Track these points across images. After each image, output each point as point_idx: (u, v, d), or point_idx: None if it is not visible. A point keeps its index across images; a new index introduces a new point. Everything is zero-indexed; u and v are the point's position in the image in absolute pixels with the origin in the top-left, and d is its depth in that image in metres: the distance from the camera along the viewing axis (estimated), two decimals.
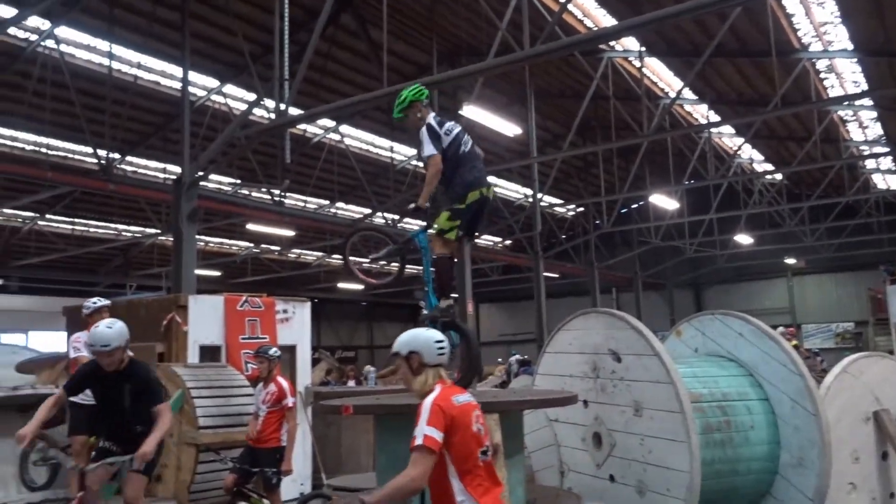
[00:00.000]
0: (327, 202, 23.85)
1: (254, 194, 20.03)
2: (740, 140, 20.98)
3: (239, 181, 20.55)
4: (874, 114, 18.60)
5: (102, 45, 14.53)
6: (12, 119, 16.14)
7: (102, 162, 14.22)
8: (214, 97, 17.09)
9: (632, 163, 20.87)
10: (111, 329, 4.77)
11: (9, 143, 17.14)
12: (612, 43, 15.87)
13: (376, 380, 17.95)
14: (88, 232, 23.97)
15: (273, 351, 6.80)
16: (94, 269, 27.06)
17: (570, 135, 17.21)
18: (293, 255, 30.56)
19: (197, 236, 13.54)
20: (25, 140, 17.14)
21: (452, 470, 3.07)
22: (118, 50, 14.71)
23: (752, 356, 6.19)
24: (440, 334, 3.36)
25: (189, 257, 11.90)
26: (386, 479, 3.45)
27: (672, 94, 17.11)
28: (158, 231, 21.70)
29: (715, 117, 18.82)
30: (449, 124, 5.05)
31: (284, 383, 6.63)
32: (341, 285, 32.47)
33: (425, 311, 4.96)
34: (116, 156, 15.86)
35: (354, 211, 24.82)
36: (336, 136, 20.20)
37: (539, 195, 20.96)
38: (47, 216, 21.56)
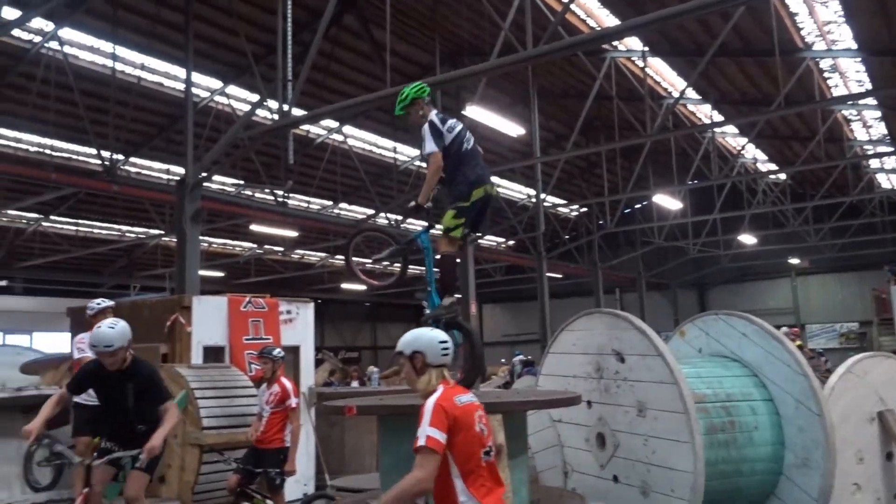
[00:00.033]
0: (330, 203, 23.86)
1: (257, 195, 20.04)
2: (744, 140, 20.94)
3: (242, 182, 20.57)
4: (878, 113, 18.55)
5: (106, 46, 14.56)
6: (16, 120, 16.18)
7: (106, 163, 14.25)
8: (218, 98, 17.12)
9: (635, 163, 20.85)
10: (113, 329, 4.77)
11: (13, 144, 17.18)
12: (615, 43, 15.85)
13: (380, 380, 17.95)
14: (92, 233, 24.01)
15: (277, 352, 6.80)
16: (97, 271, 27.10)
17: (574, 135, 17.19)
18: (296, 256, 30.57)
19: (200, 237, 13.54)
20: (29, 141, 17.17)
21: (455, 470, 3.07)
22: (122, 51, 14.73)
23: (756, 356, 6.19)
24: (444, 334, 3.36)
25: (193, 258, 11.92)
26: (390, 479, 3.45)
27: (675, 94, 17.10)
28: (162, 232, 21.73)
29: (718, 117, 18.79)
30: (451, 121, 5.04)
31: (288, 384, 6.63)
32: (345, 286, 32.48)
33: (428, 311, 4.95)
34: (120, 157, 15.89)
35: (358, 212, 24.83)
36: (339, 137, 20.22)
37: (542, 195, 20.94)
38: (51, 217, 21.60)
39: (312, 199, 23.16)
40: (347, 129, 20.05)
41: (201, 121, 15.89)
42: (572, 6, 11.22)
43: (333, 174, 21.24)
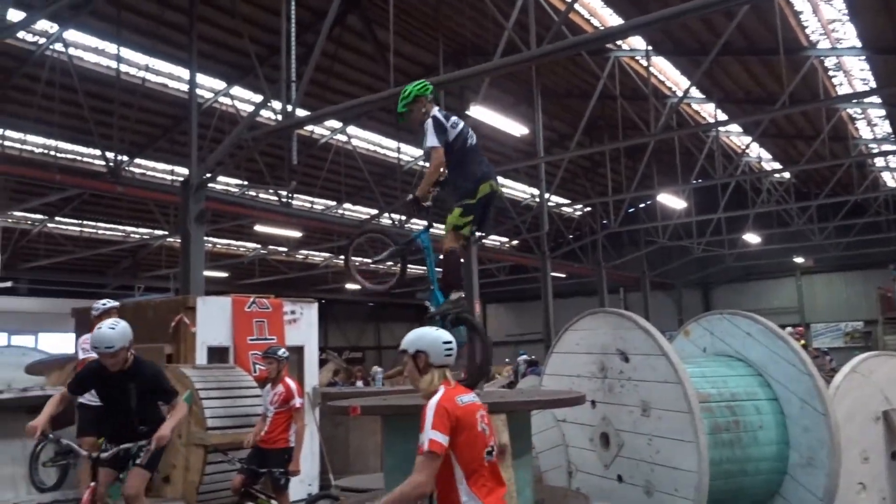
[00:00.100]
0: (334, 203, 23.90)
1: (261, 196, 20.09)
2: (748, 139, 20.89)
3: (246, 183, 20.60)
4: (883, 111, 18.49)
5: (110, 47, 14.61)
6: (21, 122, 16.23)
7: (111, 164, 14.29)
8: (222, 99, 17.14)
9: (639, 162, 20.81)
10: (114, 330, 4.76)
11: (18, 145, 17.23)
12: (618, 42, 15.84)
13: (384, 380, 17.97)
14: (97, 234, 24.08)
15: (282, 352, 6.81)
16: (102, 271, 27.18)
17: (577, 134, 17.18)
18: (300, 257, 30.62)
19: (205, 238, 13.58)
20: (34, 143, 17.23)
21: (457, 470, 3.07)
22: (126, 53, 14.78)
23: (760, 356, 6.17)
24: (448, 335, 3.35)
25: (197, 259, 11.94)
26: (394, 479, 3.45)
27: (679, 93, 17.06)
28: (166, 233, 21.77)
29: (722, 116, 18.75)
30: (454, 118, 5.04)
31: (292, 384, 6.64)
32: (349, 286, 32.52)
33: (433, 309, 4.93)
34: (125, 158, 15.92)
35: (361, 212, 24.85)
36: (343, 138, 20.24)
37: (546, 195, 20.91)
38: (56, 218, 21.66)
39: (316, 200, 23.18)
40: (351, 129, 20.06)
41: (205, 122, 15.90)
42: (576, 6, 11.23)
43: (337, 174, 21.26)
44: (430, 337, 3.30)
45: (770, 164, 24.67)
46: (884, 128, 20.07)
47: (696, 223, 27.04)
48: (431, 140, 4.81)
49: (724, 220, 26.13)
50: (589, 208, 28.46)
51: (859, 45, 14.30)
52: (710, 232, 27.50)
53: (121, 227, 23.96)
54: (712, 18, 13.58)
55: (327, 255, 29.96)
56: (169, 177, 19.95)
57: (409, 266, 5.39)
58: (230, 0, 13.04)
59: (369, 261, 6.01)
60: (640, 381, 5.75)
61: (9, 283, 25.85)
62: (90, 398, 6.01)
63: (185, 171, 15.06)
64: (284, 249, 27.23)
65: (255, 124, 13.89)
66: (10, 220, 21.39)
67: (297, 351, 9.22)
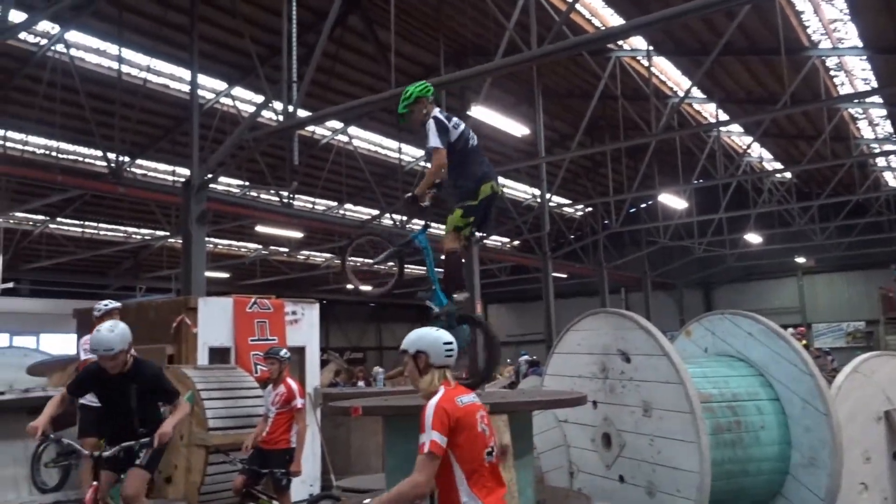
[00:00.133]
0: (336, 204, 23.90)
1: (262, 196, 20.10)
2: (749, 139, 20.88)
3: (248, 183, 20.62)
4: (884, 111, 18.48)
5: (112, 48, 14.63)
6: (23, 123, 16.26)
7: (112, 165, 14.29)
8: (223, 100, 17.15)
9: (640, 162, 20.80)
10: (113, 332, 4.74)
11: (19, 146, 17.25)
12: (619, 42, 15.83)
13: (385, 381, 17.96)
14: (98, 235, 24.09)
15: (283, 352, 6.81)
16: (104, 272, 27.19)
17: (579, 135, 17.18)
18: (302, 257, 30.63)
19: (206, 238, 13.58)
20: (36, 144, 17.25)
21: (457, 470, 3.07)
22: (127, 53, 14.79)
23: (762, 356, 6.17)
24: (449, 335, 3.35)
25: (198, 259, 11.94)
26: (395, 480, 3.45)
27: (680, 93, 17.05)
28: (168, 233, 21.80)
29: (724, 116, 18.74)
30: (455, 119, 5.04)
31: (293, 385, 6.64)
32: (350, 286, 32.47)
33: (436, 309, 4.92)
34: (126, 159, 15.94)
35: (363, 212, 24.85)
36: (344, 138, 20.24)
37: (547, 195, 20.92)
38: (58, 219, 21.69)
39: (318, 200, 23.18)
40: (352, 129, 20.07)
41: (207, 122, 15.91)
42: (577, 6, 11.22)
43: (338, 175, 21.27)
44: (431, 337, 3.30)
45: (771, 164, 24.65)
46: (885, 128, 20.06)
47: (697, 223, 27.04)
48: (434, 140, 4.81)
49: (726, 220, 26.12)
50: (590, 208, 28.44)
51: (860, 44, 14.29)
52: (712, 232, 27.48)
53: (122, 228, 23.97)
54: (713, 18, 13.57)
55: (328, 255, 29.97)
56: (170, 177, 19.97)
57: (410, 266, 5.38)
58: (231, 1, 13.05)
59: (370, 262, 6.01)
60: (641, 382, 5.75)
61: (10, 284, 25.86)
62: (91, 399, 6.01)
63: (186, 171, 15.07)
64: (286, 250, 27.23)
65: (257, 125, 13.91)
66: (11, 221, 21.41)
67: (299, 351, 9.22)
